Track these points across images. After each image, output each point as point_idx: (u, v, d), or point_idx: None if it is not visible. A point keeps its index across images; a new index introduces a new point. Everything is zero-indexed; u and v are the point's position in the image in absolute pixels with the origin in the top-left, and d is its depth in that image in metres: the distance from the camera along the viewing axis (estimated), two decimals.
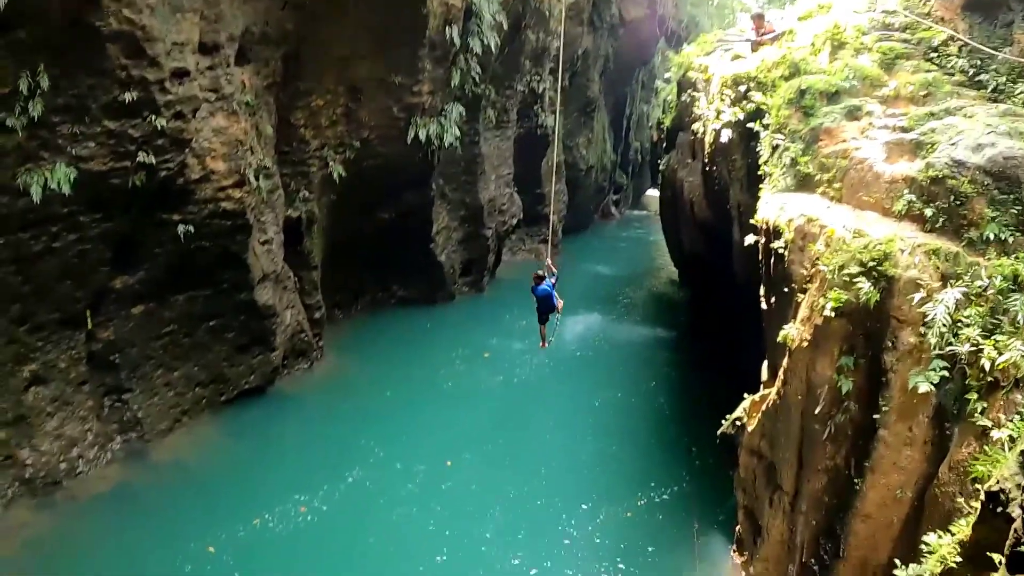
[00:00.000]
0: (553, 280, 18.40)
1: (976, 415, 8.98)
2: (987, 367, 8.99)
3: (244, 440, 18.33)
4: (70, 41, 13.09)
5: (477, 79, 24.99)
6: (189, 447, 17.57)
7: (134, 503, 15.52)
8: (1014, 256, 10.28)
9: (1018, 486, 5.85)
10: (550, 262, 18.90)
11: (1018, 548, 5.17)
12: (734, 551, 15.30)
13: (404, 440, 18.78)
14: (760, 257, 14.51)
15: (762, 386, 14.21)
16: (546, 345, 19.51)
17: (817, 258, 11.46)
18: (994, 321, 9.51)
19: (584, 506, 16.84)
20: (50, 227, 14.19)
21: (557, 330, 19.35)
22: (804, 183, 13.91)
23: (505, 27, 25.47)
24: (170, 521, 14.99)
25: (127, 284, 16.20)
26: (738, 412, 14.49)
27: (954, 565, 6.93)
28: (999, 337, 9.18)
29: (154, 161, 14.85)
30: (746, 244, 15.03)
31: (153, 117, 14.51)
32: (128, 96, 13.95)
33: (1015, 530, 5.37)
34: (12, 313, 14.26)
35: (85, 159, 13.99)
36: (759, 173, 15.60)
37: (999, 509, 6.32)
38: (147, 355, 17.14)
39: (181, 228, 16.17)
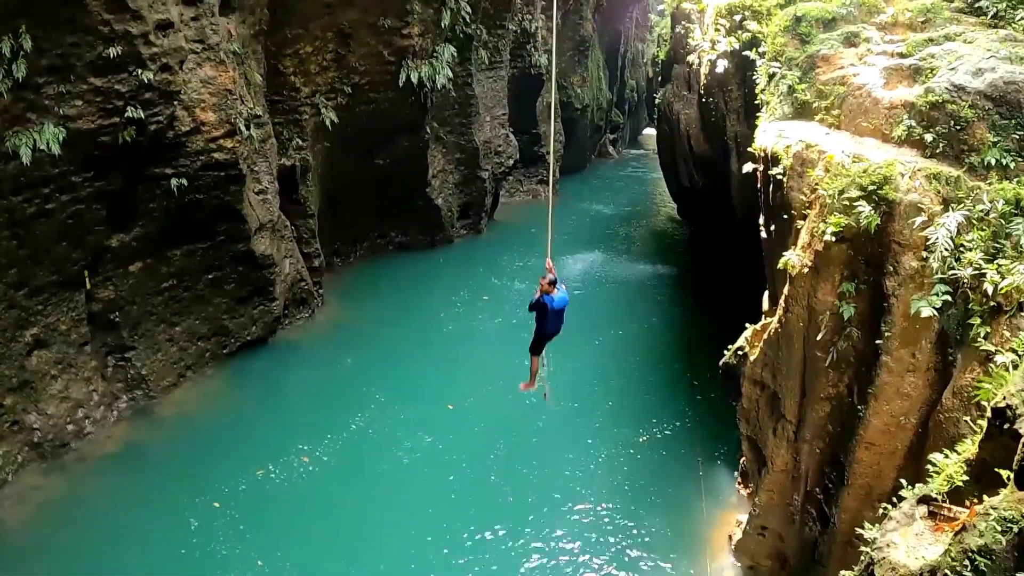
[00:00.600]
0: (563, 285, 12.72)
1: (979, 340, 8.92)
2: (990, 291, 8.92)
3: (248, 391, 18.40)
4: (51, 0, 12.85)
5: (468, 19, 24.62)
6: (194, 401, 17.64)
7: (142, 461, 15.63)
8: (1016, 180, 10.15)
9: None
10: (550, 261, 12.56)
11: None
12: (739, 483, 15.45)
13: (406, 385, 18.85)
14: (759, 186, 14.39)
15: (763, 315, 14.18)
16: (537, 388, 13.82)
17: (816, 184, 11.31)
18: (996, 245, 9.41)
19: (588, 443, 16.95)
20: (42, 189, 14.06)
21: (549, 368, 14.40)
22: (802, 111, 13.73)
23: None
24: (177, 477, 15.10)
25: (123, 242, 16.11)
26: (740, 342, 14.49)
27: (961, 483, 6.93)
28: (1002, 261, 9.09)
29: (143, 115, 14.67)
30: (744, 172, 14.89)
31: (139, 71, 14.31)
32: (113, 51, 13.75)
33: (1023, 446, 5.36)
34: (10, 278, 14.19)
35: (73, 118, 13.82)
36: (756, 103, 15.41)
37: (1006, 426, 6.31)
38: (148, 312, 17.12)
39: (174, 182, 16.02)
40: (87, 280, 15.70)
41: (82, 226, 15.05)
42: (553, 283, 12.21)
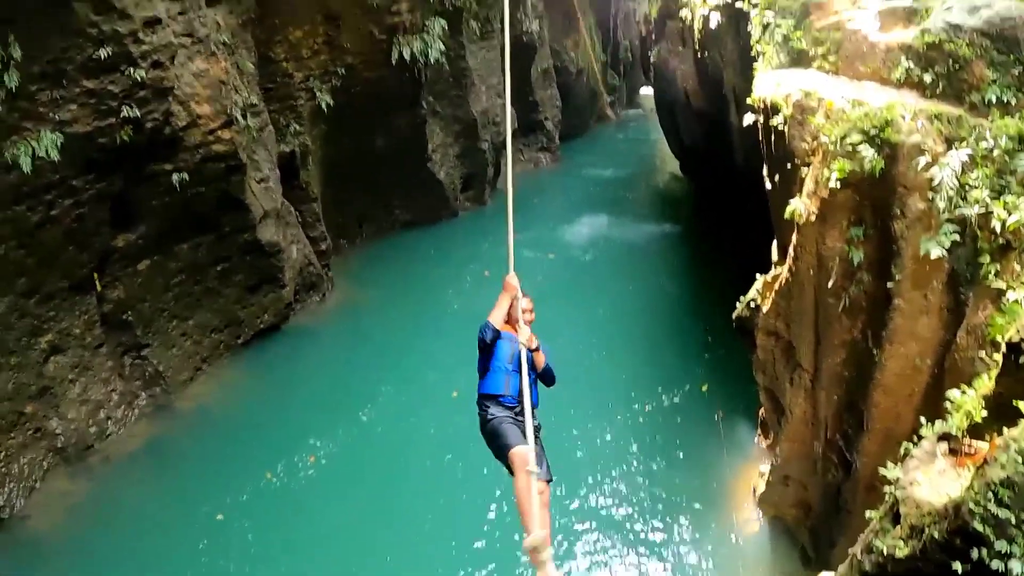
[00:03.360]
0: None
1: (990, 277, 8.93)
2: (998, 228, 8.91)
3: (263, 381, 18.46)
4: (35, 7, 12.84)
5: None
6: (212, 393, 17.75)
7: (163, 458, 15.72)
8: (1018, 116, 10.09)
9: None
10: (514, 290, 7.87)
11: None
12: (759, 435, 15.51)
13: (413, 372, 18.65)
14: (760, 137, 14.32)
15: (773, 266, 14.17)
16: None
17: (818, 131, 11.27)
18: (1002, 182, 9.40)
19: (603, 412, 16.85)
20: (45, 196, 14.06)
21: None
22: (798, 59, 13.63)
23: None
24: (192, 479, 15.07)
25: (130, 241, 16.16)
26: (751, 294, 14.48)
27: (980, 420, 6.99)
28: (1008, 198, 9.08)
29: (139, 114, 14.65)
30: (745, 124, 14.83)
31: (131, 70, 14.28)
32: (103, 52, 13.71)
33: None
34: (20, 287, 14.22)
35: (69, 123, 13.80)
36: (752, 54, 15.29)
37: (1021, 359, 6.34)
38: (160, 308, 17.19)
39: (175, 177, 16.02)
40: (97, 282, 15.75)
41: (87, 229, 15.08)
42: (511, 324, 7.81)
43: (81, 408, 15.53)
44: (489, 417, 7.31)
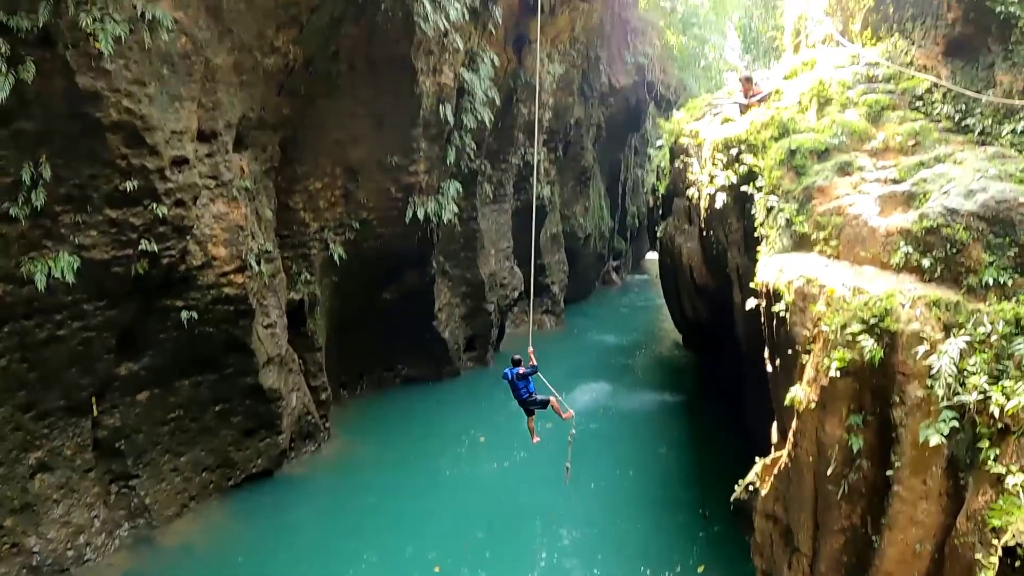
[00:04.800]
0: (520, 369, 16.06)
1: (989, 462, 8.93)
2: (996, 414, 8.96)
3: (249, 527, 17.96)
4: (71, 132, 13.36)
5: (472, 155, 25.34)
6: (196, 533, 17.31)
7: None
8: (1015, 299, 10.31)
9: None
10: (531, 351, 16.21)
11: None
12: None
13: (400, 539, 17.89)
14: (762, 320, 14.50)
15: (773, 448, 14.09)
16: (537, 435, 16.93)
17: (819, 319, 11.47)
18: (999, 367, 9.52)
19: None
20: (54, 315, 14.27)
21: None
22: (801, 243, 13.99)
23: (497, 102, 25.91)
24: None
25: (132, 371, 16.22)
26: (750, 477, 14.35)
27: None
28: (1006, 383, 9.18)
29: (156, 249, 14.99)
30: (747, 308, 15.04)
31: (154, 205, 14.69)
32: (129, 185, 14.15)
33: None
34: (18, 400, 14.27)
35: (87, 248, 14.13)
36: (756, 235, 15.68)
37: (1017, 564, 6.25)
38: (153, 441, 17.06)
39: (184, 314, 16.24)
40: (94, 407, 15.74)
41: (92, 353, 15.17)
42: (517, 362, 16.17)
43: (61, 530, 15.23)
44: (535, 396, 15.95)
